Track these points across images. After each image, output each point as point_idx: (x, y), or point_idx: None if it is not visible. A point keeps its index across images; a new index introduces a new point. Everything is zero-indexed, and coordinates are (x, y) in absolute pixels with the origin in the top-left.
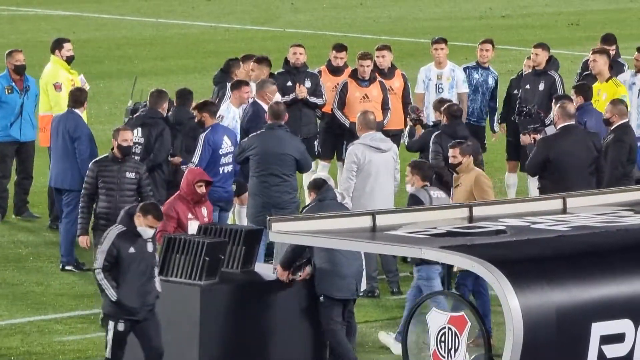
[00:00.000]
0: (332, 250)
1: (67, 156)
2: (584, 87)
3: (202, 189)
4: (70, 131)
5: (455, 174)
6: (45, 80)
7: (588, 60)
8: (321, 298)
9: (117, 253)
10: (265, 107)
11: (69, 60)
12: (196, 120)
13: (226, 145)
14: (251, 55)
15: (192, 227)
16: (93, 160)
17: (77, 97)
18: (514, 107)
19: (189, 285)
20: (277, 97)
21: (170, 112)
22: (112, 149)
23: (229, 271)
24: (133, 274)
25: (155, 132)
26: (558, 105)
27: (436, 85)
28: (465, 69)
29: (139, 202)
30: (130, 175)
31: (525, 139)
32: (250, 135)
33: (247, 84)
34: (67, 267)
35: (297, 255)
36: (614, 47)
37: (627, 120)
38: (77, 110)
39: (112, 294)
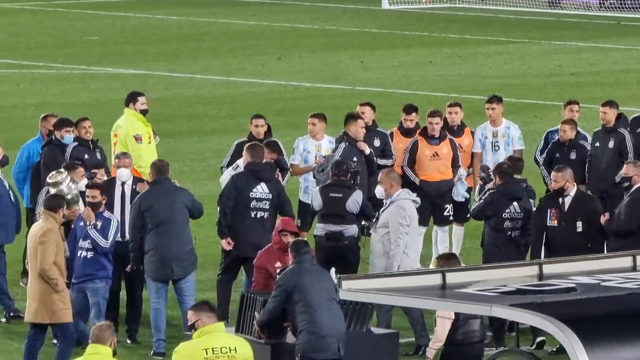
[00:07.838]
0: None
1: None
2: None
3: (286, 238)
4: None
5: None
6: (124, 132)
7: (636, 117)
8: None
9: None
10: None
11: (143, 114)
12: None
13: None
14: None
15: None
16: None
17: None
18: None
19: (261, 344)
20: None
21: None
22: None
23: None
24: None
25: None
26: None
27: (492, 143)
28: (548, 133)
29: None
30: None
31: None
32: (136, 200)
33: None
34: None
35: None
36: None
37: None
38: None
39: None
